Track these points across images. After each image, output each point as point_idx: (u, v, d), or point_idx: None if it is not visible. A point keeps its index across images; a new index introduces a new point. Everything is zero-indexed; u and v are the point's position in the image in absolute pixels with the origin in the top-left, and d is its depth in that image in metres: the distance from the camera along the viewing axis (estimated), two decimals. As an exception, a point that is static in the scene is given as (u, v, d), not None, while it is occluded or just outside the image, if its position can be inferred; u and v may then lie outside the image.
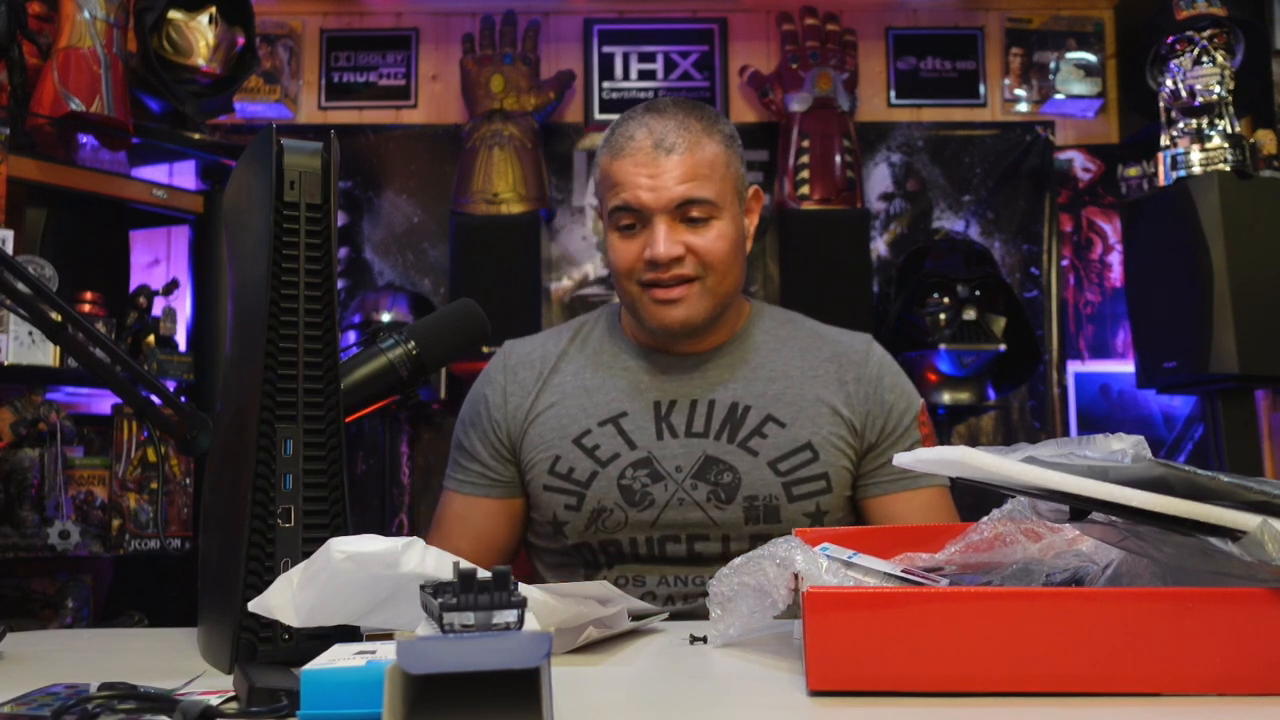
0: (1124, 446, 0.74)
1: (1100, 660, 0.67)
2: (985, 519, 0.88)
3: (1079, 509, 0.74)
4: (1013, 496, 0.88)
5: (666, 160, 1.31)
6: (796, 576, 0.81)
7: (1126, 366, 3.11)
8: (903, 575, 0.83)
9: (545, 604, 0.83)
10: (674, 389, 1.39)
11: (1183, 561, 0.72)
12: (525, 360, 1.45)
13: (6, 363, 2.00)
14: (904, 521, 1.36)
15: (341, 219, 3.21)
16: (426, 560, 0.71)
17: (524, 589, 0.69)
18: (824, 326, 1.50)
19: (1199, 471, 0.69)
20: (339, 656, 0.62)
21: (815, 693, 0.69)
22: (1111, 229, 3.29)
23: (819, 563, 0.82)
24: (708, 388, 1.39)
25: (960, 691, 0.68)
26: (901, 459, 0.87)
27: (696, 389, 1.39)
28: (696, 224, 1.33)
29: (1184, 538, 0.69)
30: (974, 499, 1.06)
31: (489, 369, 1.47)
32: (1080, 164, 3.31)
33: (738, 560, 0.86)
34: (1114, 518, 0.73)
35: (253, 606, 0.73)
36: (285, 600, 0.71)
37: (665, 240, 1.30)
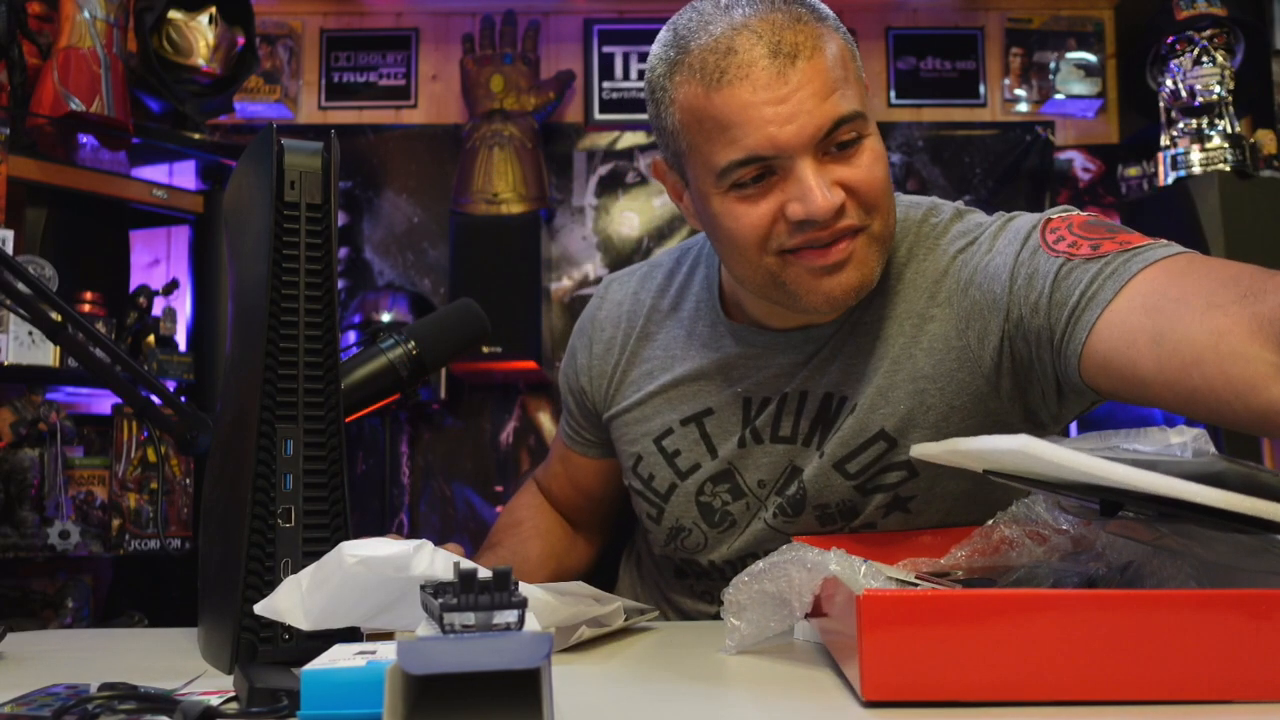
0: (1184, 440, 0.68)
1: (1179, 667, 0.62)
2: (990, 522, 0.87)
3: (1110, 504, 0.70)
4: (1030, 493, 0.86)
5: (793, 71, 0.92)
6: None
7: (1127, 366, 3.11)
8: (915, 582, 0.82)
9: (545, 603, 0.84)
10: (769, 381, 1.11)
11: (1236, 561, 0.69)
12: (612, 317, 1.25)
13: (6, 363, 2.00)
14: (1130, 358, 0.85)
15: (341, 219, 3.21)
16: (436, 563, 0.71)
17: (524, 588, 0.69)
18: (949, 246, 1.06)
19: (1261, 469, 0.66)
20: (339, 656, 0.62)
21: (870, 703, 0.64)
22: (1112, 229, 3.28)
23: (856, 567, 0.78)
24: (806, 377, 1.09)
25: (1027, 701, 0.63)
26: (917, 450, 0.82)
27: (790, 379, 1.10)
28: (846, 150, 0.96)
29: (1240, 536, 0.67)
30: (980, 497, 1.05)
31: (584, 314, 1.30)
32: (1080, 164, 3.31)
33: (758, 566, 0.81)
34: (1160, 512, 0.69)
35: (259, 609, 0.72)
36: (294, 603, 0.71)
37: (821, 188, 0.93)
